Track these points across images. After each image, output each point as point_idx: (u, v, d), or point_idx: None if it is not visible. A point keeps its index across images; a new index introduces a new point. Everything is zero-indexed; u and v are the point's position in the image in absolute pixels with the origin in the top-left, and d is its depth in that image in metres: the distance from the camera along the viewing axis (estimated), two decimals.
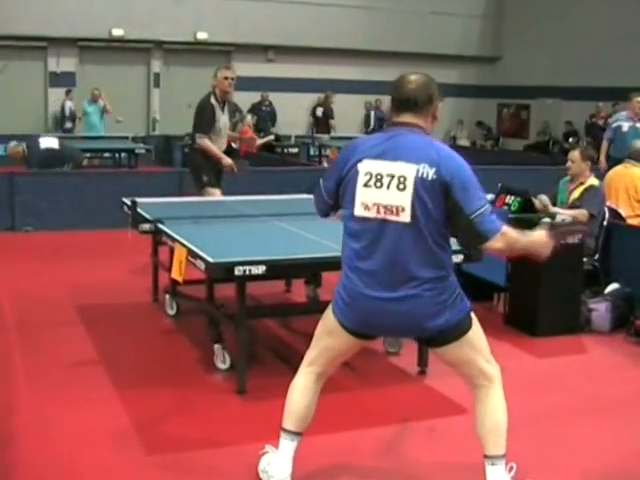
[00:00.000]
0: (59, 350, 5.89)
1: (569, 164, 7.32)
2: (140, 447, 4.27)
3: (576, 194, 7.22)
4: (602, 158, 11.28)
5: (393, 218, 3.41)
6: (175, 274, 5.44)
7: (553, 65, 21.52)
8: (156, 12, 20.05)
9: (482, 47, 23.93)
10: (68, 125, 18.65)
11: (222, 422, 4.68)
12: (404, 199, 3.39)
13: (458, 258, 5.23)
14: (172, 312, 6.75)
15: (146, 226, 6.18)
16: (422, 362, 5.53)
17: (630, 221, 7.79)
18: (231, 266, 4.66)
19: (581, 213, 6.96)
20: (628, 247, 7.11)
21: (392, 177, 3.41)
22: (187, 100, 17.33)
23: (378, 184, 3.44)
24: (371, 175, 3.45)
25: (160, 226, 5.96)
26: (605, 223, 7.18)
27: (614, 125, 11.33)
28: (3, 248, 9.38)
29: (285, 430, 3.81)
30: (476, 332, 3.69)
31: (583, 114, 20.15)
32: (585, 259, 6.77)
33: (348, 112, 21.78)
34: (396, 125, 3.55)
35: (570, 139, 20.43)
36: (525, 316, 6.57)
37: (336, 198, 3.66)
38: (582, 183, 7.23)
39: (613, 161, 10.45)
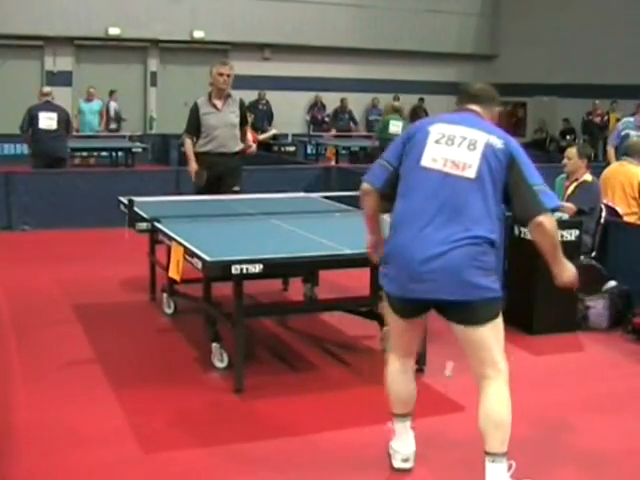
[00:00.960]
0: (56, 349, 5.89)
1: (565, 161, 7.33)
2: (137, 446, 4.27)
3: (570, 190, 7.24)
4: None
5: (457, 172, 3.62)
6: (172, 273, 5.43)
7: (550, 62, 21.54)
8: (153, 11, 20.06)
9: (479, 45, 23.95)
10: (113, 126, 18.60)
11: (220, 421, 4.68)
12: (473, 158, 3.63)
13: None
14: (169, 311, 6.75)
15: (143, 225, 6.18)
16: (420, 360, 5.51)
17: (627, 218, 7.79)
18: (228, 265, 4.66)
19: (569, 206, 6.94)
20: (625, 244, 7.12)
21: (464, 139, 3.68)
22: (184, 99, 17.38)
23: (449, 142, 3.68)
24: (443, 135, 3.72)
25: (157, 225, 5.96)
26: (602, 221, 7.18)
27: (623, 133, 10.74)
28: (0, 247, 9.38)
29: (394, 414, 4.07)
30: (501, 322, 3.88)
31: (580, 111, 20.16)
32: (582, 256, 6.77)
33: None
34: (464, 110, 3.90)
35: (567, 137, 20.45)
36: (522, 313, 6.56)
37: (396, 169, 3.79)
38: (577, 179, 7.25)
39: None
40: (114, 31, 20.03)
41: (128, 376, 5.37)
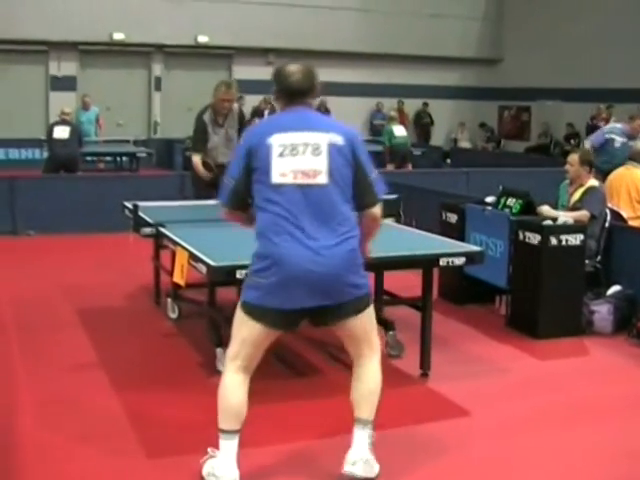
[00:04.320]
0: (60, 353, 5.89)
1: (567, 167, 7.33)
2: (140, 450, 4.26)
3: (576, 196, 7.22)
4: None
5: (310, 181, 3.68)
6: (177, 277, 5.44)
7: (554, 67, 21.54)
8: (157, 16, 20.10)
9: (482, 49, 23.95)
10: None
11: None
12: (320, 162, 3.69)
13: (460, 260, 5.25)
14: (174, 315, 6.75)
15: (147, 230, 6.18)
16: (424, 364, 5.53)
17: (631, 223, 7.78)
18: (232, 269, 4.65)
19: (582, 214, 6.96)
20: (630, 249, 7.10)
21: (307, 145, 3.70)
22: (188, 103, 17.40)
23: (294, 152, 3.70)
24: (285, 145, 3.70)
25: (161, 230, 5.96)
26: (607, 225, 7.18)
27: (607, 136, 10.84)
28: (5, 252, 9.40)
29: (225, 431, 3.87)
30: (372, 308, 3.94)
31: (584, 116, 20.13)
32: (587, 261, 6.76)
33: (348, 115, 21.79)
34: (295, 108, 3.85)
35: (571, 141, 20.42)
36: (527, 318, 6.57)
37: (245, 182, 3.78)
38: (582, 185, 7.24)
39: (598, 171, 10.04)
40: (118, 36, 20.07)
41: (132, 380, 5.37)
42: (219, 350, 5.49)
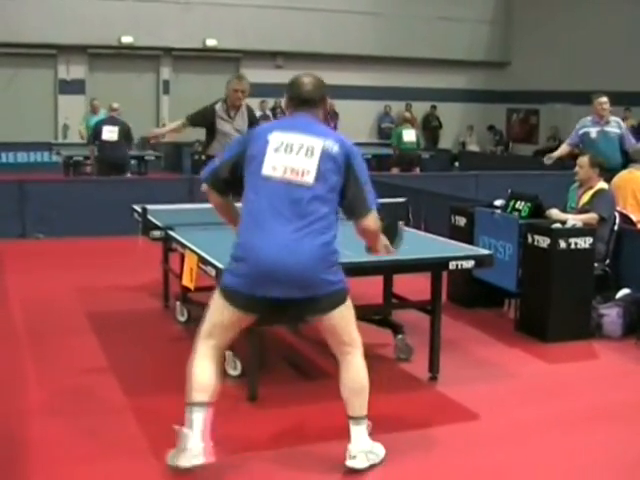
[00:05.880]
0: (70, 357, 5.91)
1: (577, 169, 7.32)
2: (151, 454, 4.27)
3: (585, 198, 7.22)
4: (555, 153, 10.78)
5: (297, 179, 3.88)
6: (186, 281, 5.44)
7: (562, 70, 21.49)
8: (165, 19, 20.14)
9: (491, 52, 23.93)
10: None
11: (234, 429, 4.68)
12: (311, 164, 3.89)
13: (469, 264, 5.24)
14: (183, 319, 6.76)
15: (157, 233, 6.19)
16: (433, 368, 5.52)
17: None
18: None
19: (591, 217, 6.95)
20: (639, 252, 7.09)
21: (302, 146, 3.92)
22: (196, 107, 17.37)
23: (288, 150, 3.92)
24: (282, 142, 3.94)
25: (171, 233, 5.97)
26: (616, 228, 7.16)
27: (581, 132, 10.52)
28: (14, 255, 9.42)
29: (192, 404, 4.04)
30: (350, 304, 4.08)
31: None
32: (596, 264, 6.75)
33: (357, 118, 21.82)
34: (298, 114, 4.09)
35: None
36: (536, 322, 6.56)
37: (231, 167, 4.05)
38: (591, 187, 7.23)
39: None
40: (127, 39, 20.11)
41: (141, 384, 5.38)
42: (228, 353, 5.49)
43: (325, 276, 3.90)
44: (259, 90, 20.42)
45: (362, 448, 4.09)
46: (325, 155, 3.91)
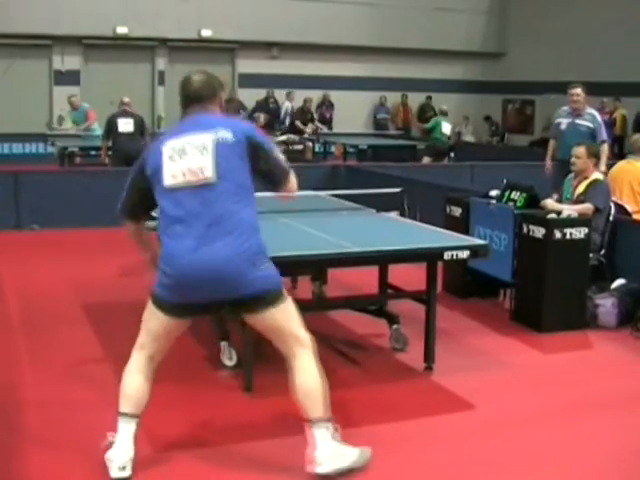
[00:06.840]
0: (64, 348, 5.91)
1: (574, 160, 7.31)
2: (146, 444, 4.27)
3: (580, 189, 7.22)
4: (547, 160, 10.32)
5: (198, 179, 3.80)
6: None
7: (558, 60, 21.48)
8: (160, 10, 20.07)
9: (487, 43, 23.90)
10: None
11: (229, 419, 4.69)
12: (207, 160, 3.80)
13: (464, 254, 5.24)
14: None
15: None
16: (429, 358, 5.53)
17: (636, 216, 7.77)
18: None
19: (586, 207, 6.95)
20: (634, 242, 7.10)
21: (194, 146, 3.83)
22: None
23: (182, 154, 3.83)
24: (174, 149, 3.85)
25: None
26: (611, 218, 7.17)
27: (555, 122, 10.27)
28: (9, 246, 9.41)
29: (123, 414, 3.94)
30: (290, 301, 3.99)
31: None
32: (591, 255, 6.76)
33: (352, 109, 21.81)
34: (191, 113, 4.04)
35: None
36: (531, 312, 6.57)
37: (139, 191, 4.03)
38: (586, 177, 7.23)
39: (558, 162, 9.69)
40: (122, 30, 20.05)
41: None
42: (224, 344, 5.51)
43: (251, 274, 3.79)
44: (254, 81, 20.47)
45: (327, 452, 3.85)
46: (220, 146, 3.82)
